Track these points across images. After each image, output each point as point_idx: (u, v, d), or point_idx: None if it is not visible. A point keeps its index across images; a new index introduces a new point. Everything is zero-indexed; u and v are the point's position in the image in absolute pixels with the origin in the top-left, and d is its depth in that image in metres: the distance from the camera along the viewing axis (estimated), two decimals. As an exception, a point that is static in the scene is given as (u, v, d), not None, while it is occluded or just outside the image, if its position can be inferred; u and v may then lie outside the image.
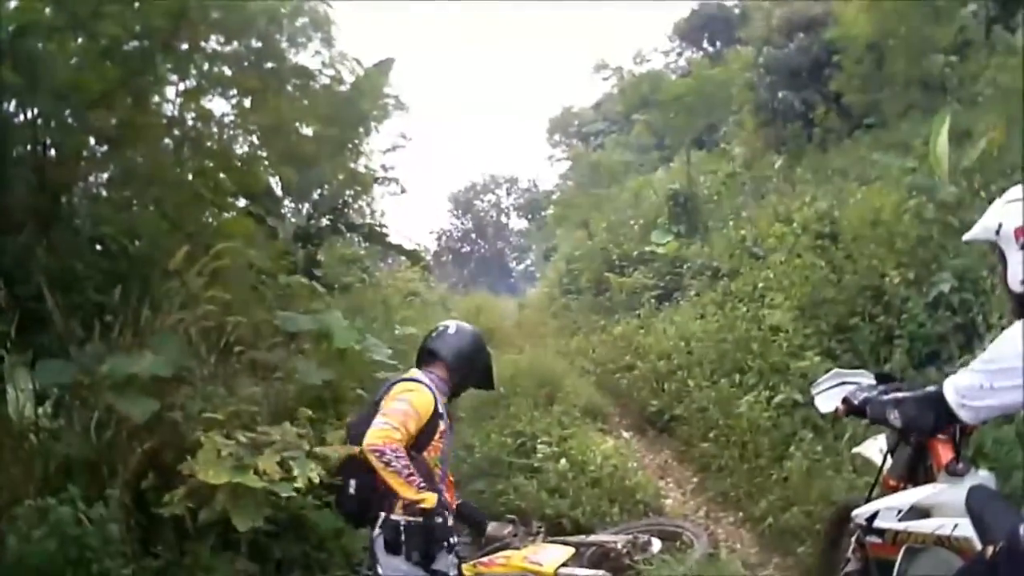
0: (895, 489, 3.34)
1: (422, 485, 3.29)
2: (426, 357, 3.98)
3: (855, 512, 3.38)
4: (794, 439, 5.96)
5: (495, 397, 8.33)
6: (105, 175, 6.05)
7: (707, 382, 7.70)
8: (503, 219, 40.61)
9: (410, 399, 3.53)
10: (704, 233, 12.37)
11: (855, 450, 4.23)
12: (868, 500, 3.43)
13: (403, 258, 11.63)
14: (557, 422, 7.52)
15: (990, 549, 2.53)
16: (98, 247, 5.56)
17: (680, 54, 24.28)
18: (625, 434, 8.47)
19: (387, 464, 3.28)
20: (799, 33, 13.11)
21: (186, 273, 4.87)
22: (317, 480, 4.03)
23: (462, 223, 40.28)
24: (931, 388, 2.91)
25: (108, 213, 5.60)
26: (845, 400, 3.48)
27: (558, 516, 6.07)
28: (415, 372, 3.86)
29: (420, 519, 3.34)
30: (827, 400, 3.75)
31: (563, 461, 6.62)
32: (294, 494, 3.98)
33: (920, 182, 6.97)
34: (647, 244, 13.32)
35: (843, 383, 3.74)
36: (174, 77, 5.99)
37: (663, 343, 9.28)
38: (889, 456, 3.49)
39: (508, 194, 40.33)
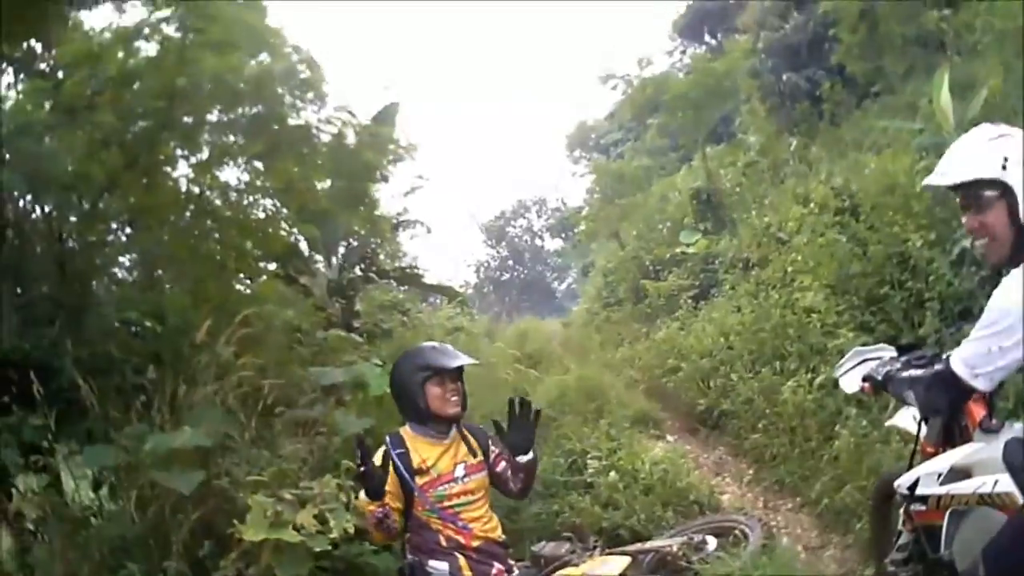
0: (934, 455, 3.29)
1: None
2: None
3: (897, 483, 3.33)
4: (840, 417, 5.91)
5: (543, 420, 8.36)
6: (128, 257, 6.19)
7: (749, 374, 7.65)
8: (538, 242, 40.36)
9: None
10: (731, 226, 12.30)
11: (887, 423, 4.18)
12: (909, 469, 3.40)
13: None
14: (605, 435, 7.51)
15: (1034, 502, 2.51)
16: (131, 329, 5.70)
17: (683, 52, 24.21)
18: (670, 437, 8.43)
19: None
20: (793, 12, 13.10)
21: (215, 344, 4.99)
22: (352, 531, 4.09)
23: (498, 252, 40.15)
24: (939, 366, 2.82)
25: (134, 295, 5.73)
26: (867, 378, 3.43)
27: (614, 528, 6.06)
28: None
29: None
30: (850, 380, 3.70)
31: (612, 473, 6.60)
32: (329, 547, 4.04)
33: (928, 141, 6.92)
34: (677, 246, 13.30)
35: (864, 360, 3.69)
36: (182, 152, 6.12)
37: (703, 341, 9.25)
38: (924, 423, 3.46)
39: (539, 216, 40.08)
